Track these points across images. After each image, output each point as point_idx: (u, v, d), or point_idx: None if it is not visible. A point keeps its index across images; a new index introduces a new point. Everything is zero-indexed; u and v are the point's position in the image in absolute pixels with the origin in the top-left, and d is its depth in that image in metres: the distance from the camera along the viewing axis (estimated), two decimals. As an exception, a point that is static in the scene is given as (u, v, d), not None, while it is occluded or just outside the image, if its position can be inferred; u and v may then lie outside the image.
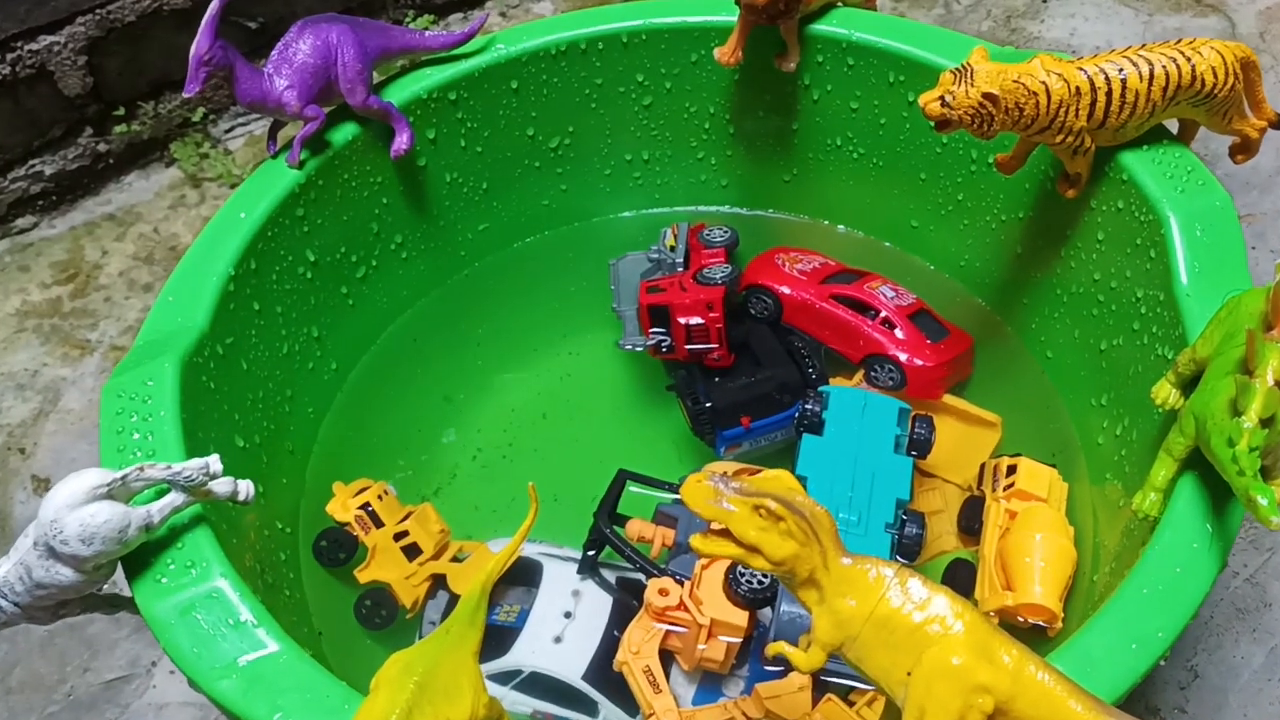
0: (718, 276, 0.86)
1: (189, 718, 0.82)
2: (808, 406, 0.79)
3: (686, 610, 0.69)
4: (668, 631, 0.70)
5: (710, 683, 0.72)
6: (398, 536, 0.77)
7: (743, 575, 0.70)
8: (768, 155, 0.97)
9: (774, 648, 0.52)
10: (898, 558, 0.72)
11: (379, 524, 0.77)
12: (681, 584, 0.70)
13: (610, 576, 0.76)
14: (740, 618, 0.69)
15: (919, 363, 0.83)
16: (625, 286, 0.93)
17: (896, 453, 0.77)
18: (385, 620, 0.77)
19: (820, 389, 0.81)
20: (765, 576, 0.69)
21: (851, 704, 0.68)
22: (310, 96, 0.76)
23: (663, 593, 0.70)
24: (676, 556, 0.75)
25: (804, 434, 0.79)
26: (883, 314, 0.85)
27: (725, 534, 0.49)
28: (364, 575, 0.77)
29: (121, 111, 1.16)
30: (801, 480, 0.74)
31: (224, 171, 1.19)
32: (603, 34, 0.89)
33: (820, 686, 0.69)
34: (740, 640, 0.70)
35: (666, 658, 0.71)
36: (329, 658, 0.74)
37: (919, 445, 0.77)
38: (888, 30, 0.85)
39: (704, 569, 0.72)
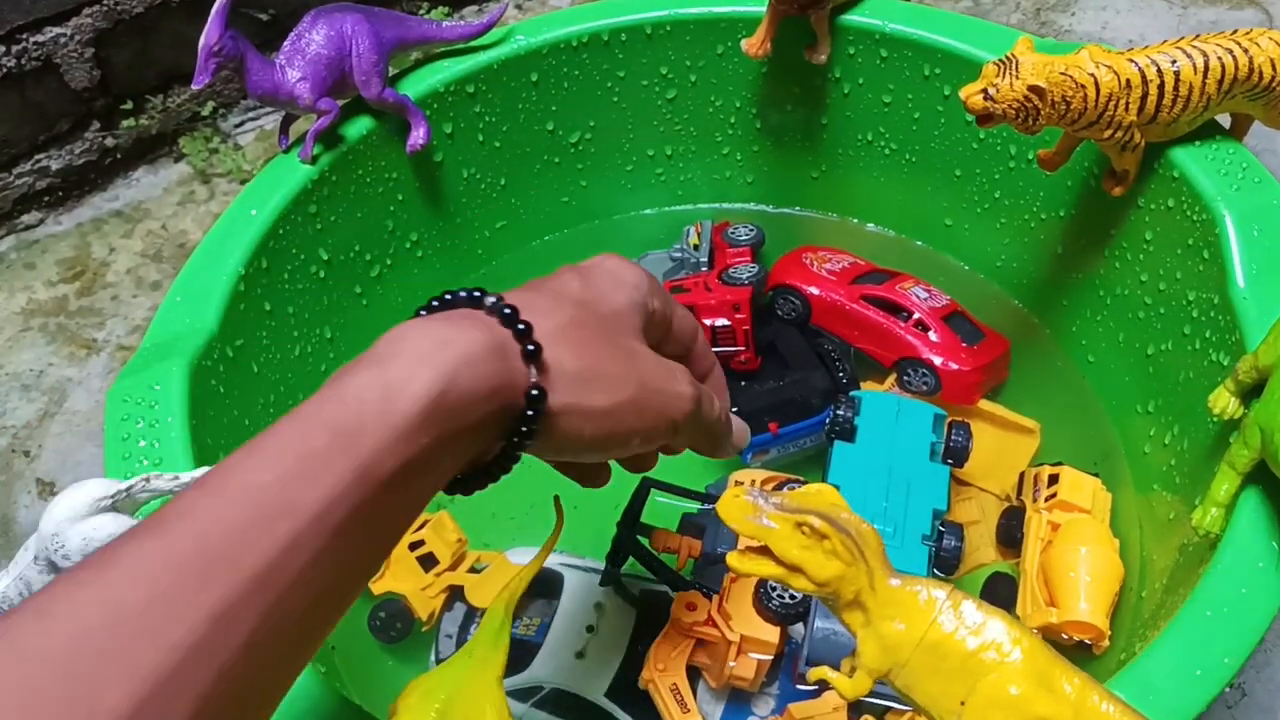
0: (744, 276, 0.83)
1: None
2: (839, 412, 0.76)
3: (715, 626, 0.67)
4: (695, 647, 0.67)
5: (739, 701, 0.69)
6: (413, 546, 0.74)
7: (774, 589, 0.67)
8: (795, 151, 0.94)
9: (816, 673, 0.49)
10: (936, 572, 0.69)
11: None
12: (710, 598, 0.68)
13: (634, 589, 0.74)
14: (771, 634, 0.67)
15: (954, 366, 0.80)
16: None
17: (932, 461, 0.74)
18: (401, 633, 0.74)
19: (852, 394, 0.78)
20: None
21: None
22: (324, 89, 0.74)
23: (690, 607, 0.67)
24: (704, 568, 0.72)
25: (835, 441, 0.76)
26: (916, 316, 0.82)
27: (765, 552, 0.46)
28: (378, 586, 0.74)
29: (129, 105, 1.13)
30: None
31: (234, 167, 1.16)
32: (626, 25, 0.86)
33: (855, 707, 0.66)
34: (771, 658, 0.67)
35: (693, 674, 0.69)
36: (343, 673, 0.71)
37: (956, 453, 0.74)
38: (923, 21, 0.82)
39: (732, 582, 0.69)
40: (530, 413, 0.40)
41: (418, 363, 0.37)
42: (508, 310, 0.41)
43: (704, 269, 0.88)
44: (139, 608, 0.30)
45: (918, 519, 0.71)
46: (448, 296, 0.43)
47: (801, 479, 0.77)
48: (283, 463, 0.34)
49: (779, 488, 0.76)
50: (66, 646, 0.29)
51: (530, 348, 0.40)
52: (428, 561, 0.74)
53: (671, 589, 0.70)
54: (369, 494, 0.35)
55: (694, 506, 0.76)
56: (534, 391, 0.40)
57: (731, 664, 0.66)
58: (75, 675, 0.29)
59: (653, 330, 0.49)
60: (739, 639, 0.66)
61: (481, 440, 0.40)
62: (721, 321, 0.81)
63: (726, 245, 0.90)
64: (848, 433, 0.75)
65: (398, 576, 0.74)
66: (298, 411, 0.36)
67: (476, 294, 0.42)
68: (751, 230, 0.91)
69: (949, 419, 0.76)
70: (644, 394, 0.45)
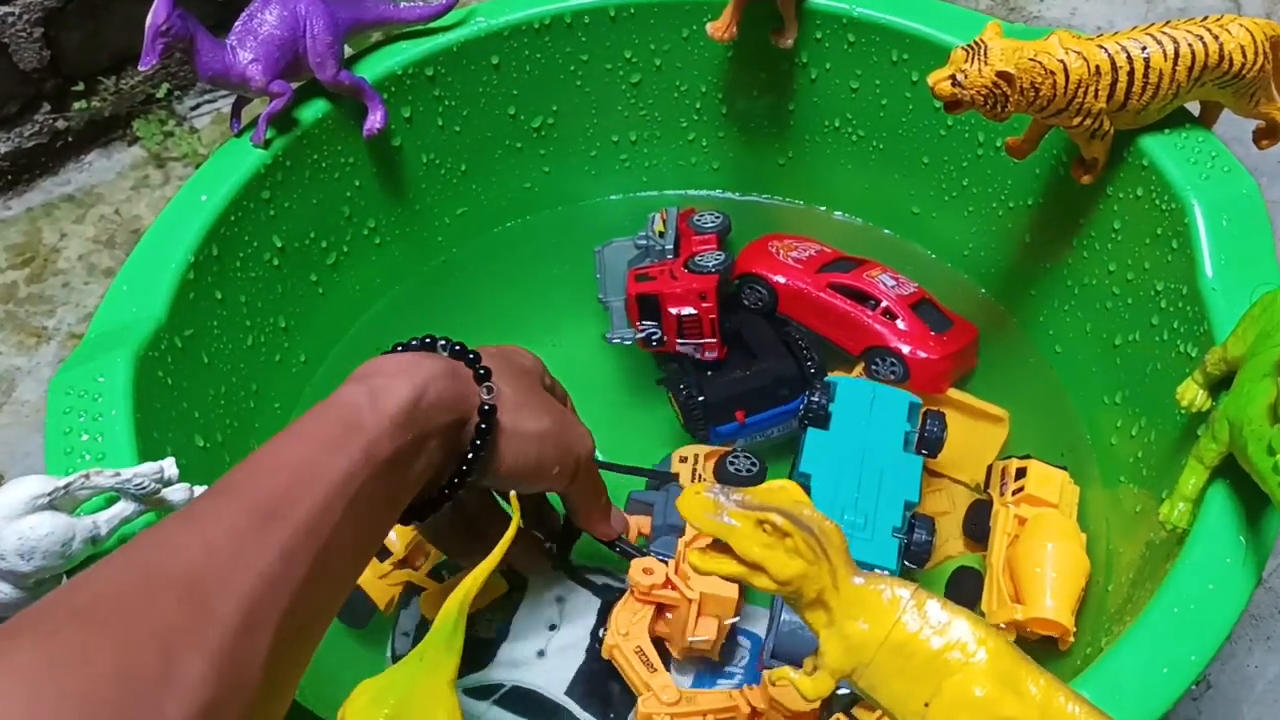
0: (710, 264, 0.82)
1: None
2: (813, 399, 0.74)
3: (674, 587, 0.65)
4: (656, 613, 0.66)
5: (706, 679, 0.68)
6: None
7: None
8: (762, 137, 0.93)
9: (778, 673, 0.48)
10: (906, 564, 0.68)
11: None
12: (665, 563, 0.66)
13: (597, 580, 0.72)
14: (730, 590, 0.64)
15: (923, 355, 0.79)
16: (611, 275, 0.88)
17: (906, 450, 0.73)
18: (363, 617, 0.73)
19: (827, 379, 0.76)
20: None
21: (854, 719, 0.64)
22: (276, 71, 0.71)
23: (647, 571, 0.65)
24: (657, 539, 0.71)
25: (808, 428, 0.74)
26: (884, 304, 0.81)
27: (726, 549, 0.45)
28: None
29: (81, 87, 1.11)
30: (805, 479, 0.71)
31: (189, 151, 1.14)
32: (589, 7, 0.84)
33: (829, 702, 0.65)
34: (732, 621, 0.66)
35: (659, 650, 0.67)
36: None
37: (930, 444, 0.73)
38: (892, 6, 0.81)
39: (687, 546, 0.67)
40: (484, 426, 0.51)
41: (394, 377, 0.47)
42: (458, 347, 0.53)
43: (670, 257, 0.87)
44: (228, 543, 0.38)
45: (889, 510, 0.70)
46: (400, 346, 0.54)
47: (746, 454, 0.75)
48: (310, 445, 0.44)
49: (720, 461, 0.75)
50: (181, 568, 0.37)
51: (482, 371, 0.52)
52: (381, 553, 0.72)
53: (626, 558, 0.68)
54: (374, 471, 0.44)
55: (641, 483, 0.75)
56: (486, 406, 0.51)
57: (693, 638, 0.65)
58: (192, 588, 0.36)
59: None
60: (699, 596, 0.64)
61: (443, 450, 0.49)
62: (688, 310, 0.80)
63: (692, 232, 0.88)
64: (821, 419, 0.74)
65: None
66: (306, 417, 0.46)
67: (428, 340, 0.54)
68: (718, 217, 0.89)
69: (924, 408, 0.75)
70: (561, 428, 0.56)
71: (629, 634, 0.65)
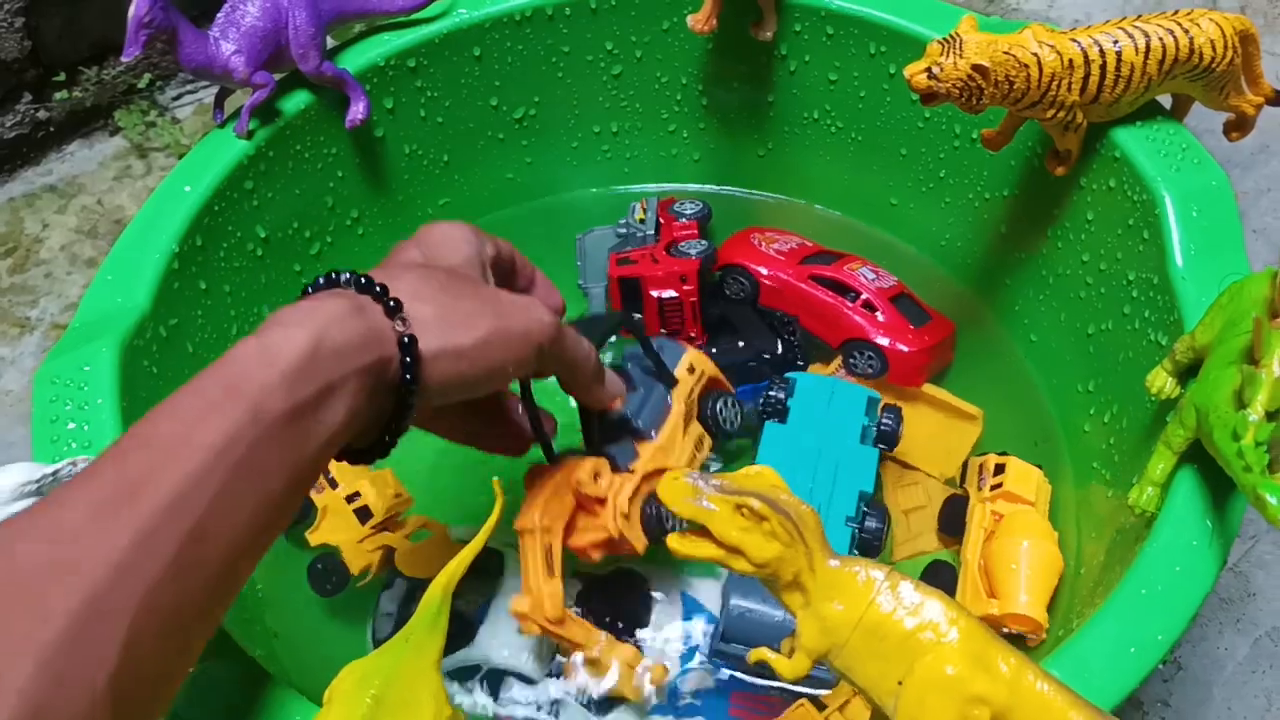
0: (692, 251, 0.83)
1: None
2: (771, 393, 0.76)
3: (603, 507, 0.62)
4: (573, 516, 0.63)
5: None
6: (350, 498, 0.73)
7: (666, 517, 0.64)
8: (742, 129, 0.94)
9: (756, 654, 0.49)
10: (855, 552, 0.69)
11: (334, 485, 0.74)
12: (616, 470, 0.64)
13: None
14: (640, 543, 0.63)
15: (902, 348, 0.80)
16: (592, 263, 0.89)
17: (863, 444, 0.74)
18: (336, 586, 0.74)
19: (787, 375, 0.78)
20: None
21: (823, 707, 0.64)
22: (259, 62, 0.72)
23: (597, 475, 0.62)
24: (617, 443, 0.66)
25: (766, 421, 0.76)
26: (863, 296, 0.82)
27: (705, 534, 0.46)
28: (315, 538, 0.73)
29: (62, 77, 1.10)
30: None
31: (171, 141, 1.14)
32: (570, -1, 0.85)
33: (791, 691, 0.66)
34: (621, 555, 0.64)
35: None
36: (283, 658, 0.71)
37: (885, 437, 0.74)
38: (869, -1, 0.82)
39: (644, 479, 0.64)
40: (408, 359, 0.46)
41: (289, 326, 0.42)
42: (363, 279, 0.47)
43: (650, 243, 0.88)
44: (75, 528, 0.36)
45: (843, 500, 0.71)
46: (309, 287, 0.49)
47: (734, 403, 0.74)
48: (184, 413, 0.40)
49: (706, 397, 0.72)
50: (17, 563, 0.35)
51: (390, 304, 0.46)
52: (364, 514, 0.73)
53: (550, 459, 0.64)
54: (264, 432, 0.40)
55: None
56: (405, 339, 0.46)
57: (594, 555, 0.63)
58: (26, 585, 0.34)
59: (499, 272, 0.57)
60: (618, 535, 0.62)
61: (364, 389, 0.44)
62: (669, 294, 0.81)
63: (673, 219, 0.89)
64: (779, 413, 0.76)
65: (334, 528, 0.73)
66: (192, 380, 0.41)
67: (333, 275, 0.48)
68: (698, 205, 0.90)
69: (882, 403, 0.76)
70: (505, 324, 0.50)
71: (550, 529, 0.62)
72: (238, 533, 0.40)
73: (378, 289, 0.46)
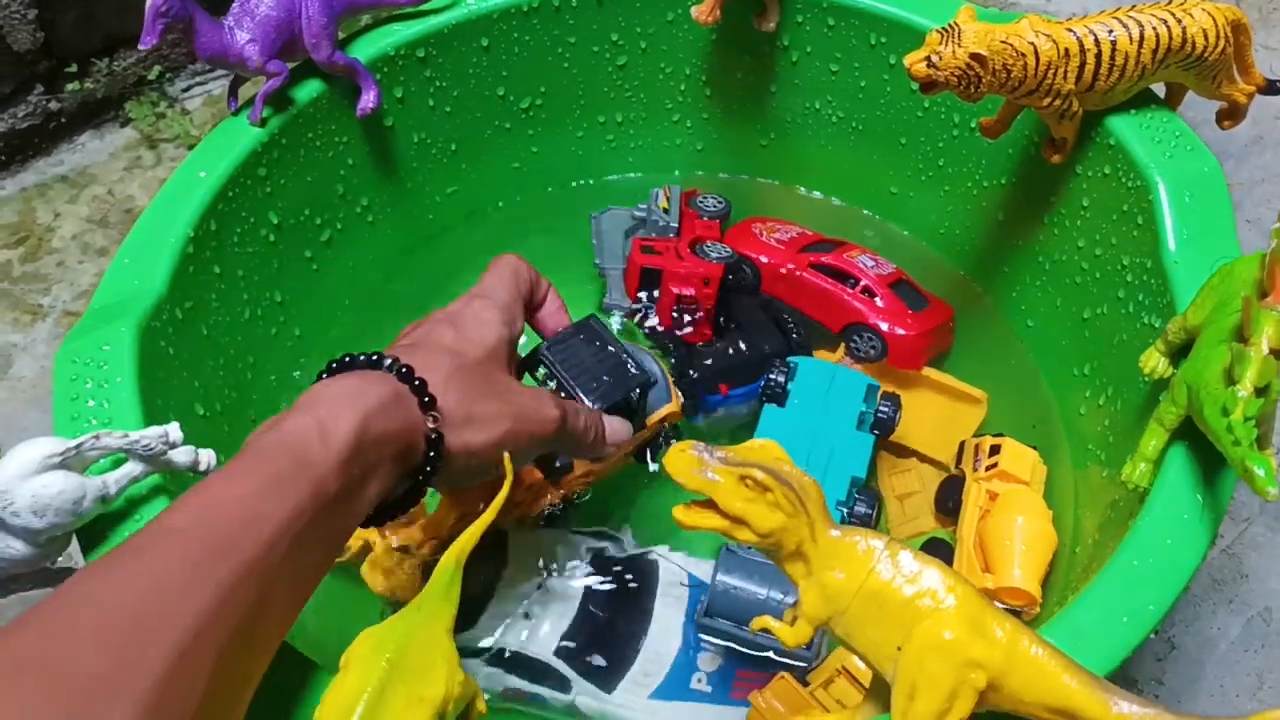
0: (714, 255, 0.84)
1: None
2: (772, 376, 0.77)
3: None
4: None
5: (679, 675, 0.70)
6: None
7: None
8: (745, 119, 0.95)
9: (759, 622, 0.51)
10: None
11: None
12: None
13: (582, 546, 0.74)
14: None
15: (900, 332, 0.82)
16: (609, 243, 0.90)
17: (859, 430, 0.76)
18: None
19: (789, 359, 0.79)
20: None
21: (807, 684, 0.66)
22: (273, 51, 0.73)
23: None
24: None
25: (765, 404, 0.77)
26: (863, 282, 0.84)
27: (710, 505, 0.48)
28: None
29: (74, 69, 1.12)
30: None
31: (181, 132, 1.15)
32: (577, -10, 0.86)
33: (774, 664, 0.68)
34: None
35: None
36: (301, 628, 0.72)
37: (881, 424, 0.76)
38: (870, -10, 0.83)
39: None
40: (432, 454, 0.51)
41: (341, 407, 0.46)
42: (404, 369, 0.51)
43: (672, 233, 0.89)
44: (174, 579, 0.39)
45: (835, 485, 0.73)
46: (347, 359, 0.52)
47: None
48: (257, 480, 0.43)
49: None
50: (115, 613, 0.37)
51: (426, 399, 0.51)
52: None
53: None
54: (322, 507, 0.44)
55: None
56: (433, 435, 0.51)
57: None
58: (128, 629, 0.37)
59: (528, 302, 0.63)
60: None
61: (393, 474, 0.49)
62: (688, 291, 0.82)
63: (695, 214, 0.91)
64: (779, 396, 0.77)
65: None
66: (252, 444, 0.45)
67: (374, 357, 0.52)
68: (721, 202, 0.92)
69: (881, 390, 0.77)
70: (518, 425, 0.55)
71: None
72: (291, 595, 0.44)
73: (416, 382, 0.51)
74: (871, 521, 0.72)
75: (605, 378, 0.65)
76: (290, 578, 0.43)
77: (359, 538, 0.74)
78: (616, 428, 0.65)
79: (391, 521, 0.54)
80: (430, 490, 0.55)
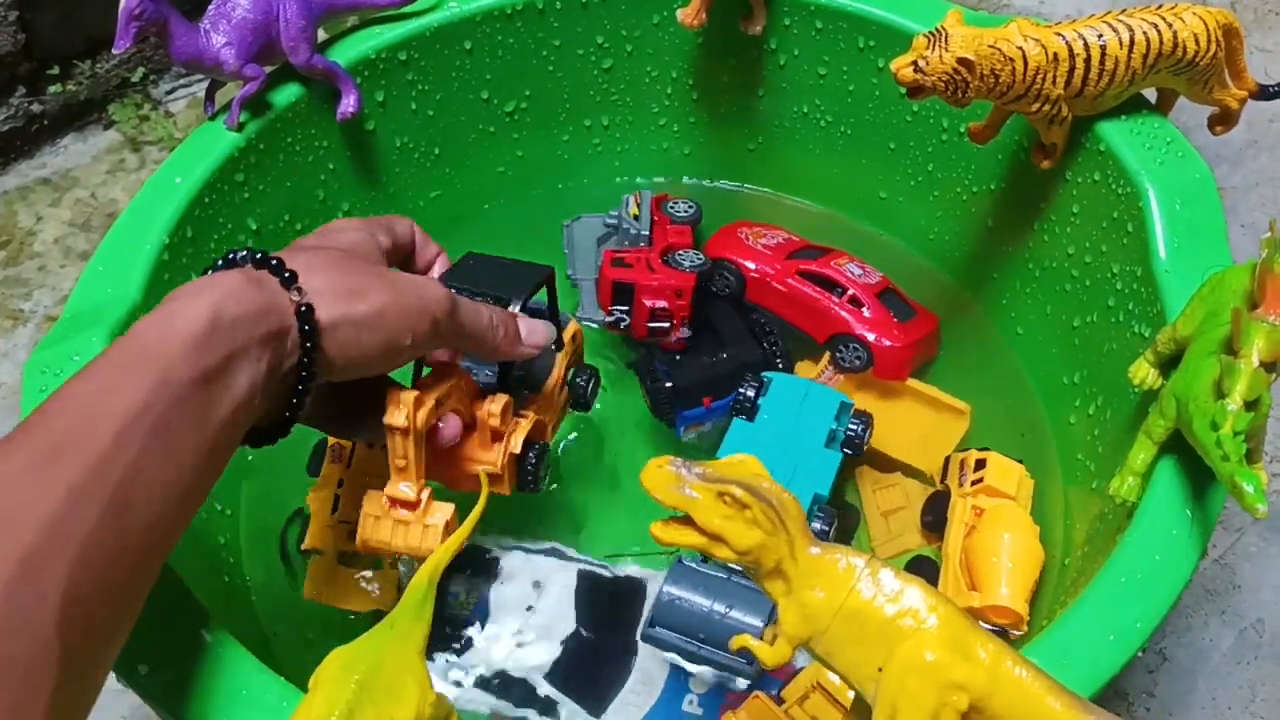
0: (687, 263, 0.82)
1: (125, 706, 0.78)
2: (742, 390, 0.76)
3: (497, 442, 0.62)
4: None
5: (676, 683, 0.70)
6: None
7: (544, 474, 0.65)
8: (731, 123, 0.94)
9: (739, 641, 0.50)
10: None
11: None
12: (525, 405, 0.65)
13: (573, 567, 0.73)
14: (509, 490, 0.63)
15: (887, 343, 0.80)
16: (581, 253, 0.89)
17: (829, 447, 0.74)
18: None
19: (762, 374, 0.78)
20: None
21: (781, 701, 0.64)
22: (250, 55, 0.72)
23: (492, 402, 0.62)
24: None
25: (734, 418, 0.76)
26: (850, 291, 0.83)
27: (688, 521, 0.47)
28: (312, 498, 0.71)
29: (56, 70, 1.11)
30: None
31: (165, 135, 1.14)
32: (561, -7, 0.85)
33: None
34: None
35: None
36: (270, 646, 0.71)
37: (850, 442, 0.74)
38: (858, -7, 0.82)
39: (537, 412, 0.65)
40: (306, 327, 0.48)
41: (186, 299, 0.45)
42: (258, 255, 0.49)
43: (644, 242, 0.88)
44: (14, 484, 0.38)
45: None
46: (208, 268, 0.51)
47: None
48: (100, 379, 0.43)
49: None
50: None
51: (286, 275, 0.49)
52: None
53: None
54: (173, 397, 0.43)
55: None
56: (302, 308, 0.48)
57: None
58: None
59: (397, 257, 0.62)
60: (500, 471, 0.62)
61: (266, 356, 0.47)
62: (661, 304, 0.81)
63: (666, 220, 0.89)
64: (748, 411, 0.76)
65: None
66: (102, 353, 0.44)
67: (231, 255, 0.50)
68: (691, 207, 0.91)
69: (854, 408, 0.76)
70: (401, 297, 0.52)
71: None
72: (159, 493, 0.42)
73: (273, 263, 0.49)
74: (826, 539, 0.70)
75: (511, 280, 0.63)
76: (152, 477, 0.42)
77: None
78: (536, 327, 0.62)
79: (283, 433, 0.52)
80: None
